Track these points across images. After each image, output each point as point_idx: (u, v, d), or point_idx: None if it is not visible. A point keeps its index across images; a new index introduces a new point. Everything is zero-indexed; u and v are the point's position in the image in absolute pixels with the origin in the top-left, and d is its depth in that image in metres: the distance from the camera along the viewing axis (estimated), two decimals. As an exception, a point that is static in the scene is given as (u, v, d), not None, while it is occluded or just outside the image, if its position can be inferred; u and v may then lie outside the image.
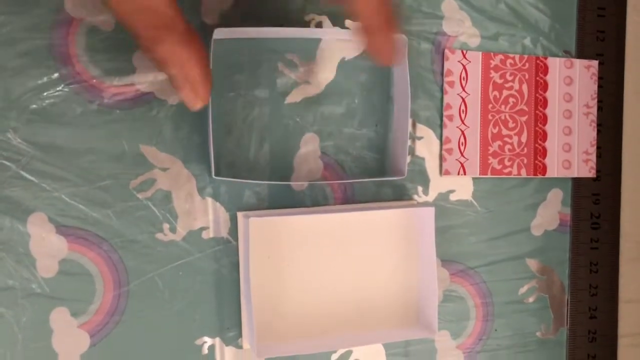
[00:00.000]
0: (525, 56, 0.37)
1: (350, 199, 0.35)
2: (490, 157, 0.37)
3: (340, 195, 0.34)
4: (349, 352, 0.35)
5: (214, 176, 0.31)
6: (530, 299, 0.38)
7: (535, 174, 0.37)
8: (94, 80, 0.31)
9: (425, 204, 0.35)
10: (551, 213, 0.38)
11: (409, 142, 0.35)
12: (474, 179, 0.37)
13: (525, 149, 0.37)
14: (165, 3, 0.26)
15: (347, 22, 0.34)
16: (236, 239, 0.33)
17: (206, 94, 0.28)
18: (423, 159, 0.36)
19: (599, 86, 0.39)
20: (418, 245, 0.34)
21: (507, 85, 0.37)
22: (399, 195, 0.35)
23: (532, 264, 0.38)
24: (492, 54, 0.36)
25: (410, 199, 0.35)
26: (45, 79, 0.30)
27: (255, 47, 0.33)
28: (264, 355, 0.32)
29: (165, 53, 0.26)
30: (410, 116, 0.33)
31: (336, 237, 0.34)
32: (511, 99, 0.37)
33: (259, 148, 0.33)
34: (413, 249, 0.35)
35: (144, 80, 0.31)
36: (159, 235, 0.32)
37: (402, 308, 0.35)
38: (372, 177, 0.34)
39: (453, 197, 0.36)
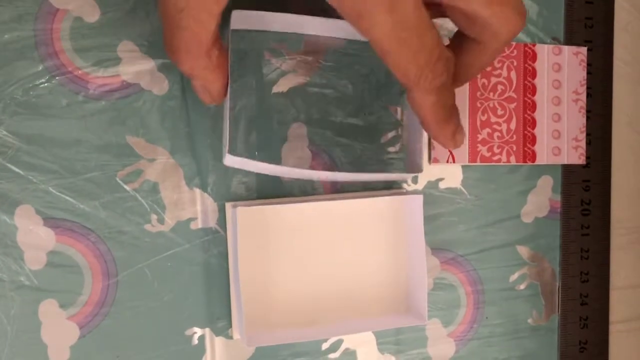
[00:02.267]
0: (513, 43, 0.37)
1: (340, 189, 0.34)
2: (479, 145, 0.36)
3: (329, 186, 0.34)
4: (340, 342, 0.35)
5: (228, 153, 0.30)
6: (521, 286, 0.38)
7: (524, 161, 0.37)
8: (80, 72, 0.31)
9: (414, 192, 0.35)
10: (541, 200, 0.38)
11: (398, 131, 0.35)
12: (463, 166, 0.37)
13: (515, 136, 0.37)
14: (211, 34, 0.26)
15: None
16: (225, 230, 0.33)
17: (221, 99, 0.30)
18: (412, 147, 0.35)
19: (588, 73, 0.39)
20: (407, 233, 0.34)
21: (495, 72, 0.37)
22: (389, 184, 0.35)
23: (523, 251, 0.38)
24: (479, 41, 0.36)
25: (400, 187, 0.35)
26: (30, 71, 0.30)
27: (241, 35, 0.32)
28: (254, 344, 0.32)
29: (193, 69, 0.28)
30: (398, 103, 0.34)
31: (325, 226, 0.34)
32: (500, 86, 0.37)
33: (246, 138, 0.33)
34: (402, 237, 0.35)
35: (130, 71, 0.31)
36: (147, 227, 0.32)
37: (392, 296, 0.35)
38: (363, 166, 0.34)
39: (442, 185, 0.36)
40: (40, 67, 0.30)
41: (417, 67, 0.26)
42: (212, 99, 0.30)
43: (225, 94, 0.30)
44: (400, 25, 0.25)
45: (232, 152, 0.31)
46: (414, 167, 0.34)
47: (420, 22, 0.26)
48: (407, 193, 0.35)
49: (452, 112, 0.30)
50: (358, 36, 0.31)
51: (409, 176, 0.35)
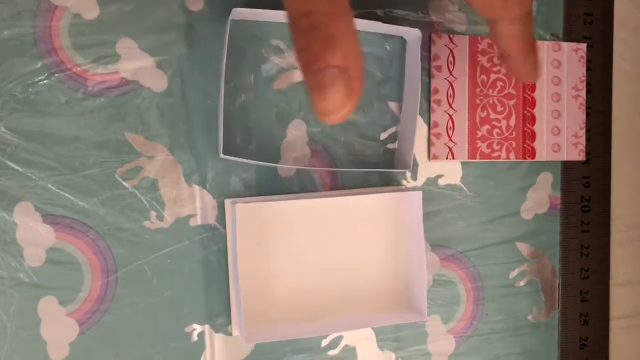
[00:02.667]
0: (513, 39, 0.37)
1: (339, 185, 0.34)
2: (478, 141, 0.36)
3: (329, 182, 0.34)
4: (340, 338, 0.35)
5: (221, 154, 0.30)
6: (521, 283, 0.38)
7: (524, 158, 0.37)
8: (79, 69, 0.31)
9: (413, 189, 0.35)
10: (541, 196, 0.38)
11: (397, 128, 0.35)
12: (462, 163, 0.37)
13: (514, 132, 0.37)
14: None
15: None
16: (224, 226, 0.33)
17: (356, 101, 0.24)
18: (411, 143, 0.35)
19: (588, 69, 0.39)
20: (407, 229, 0.34)
21: (494, 69, 0.37)
22: (388, 180, 0.35)
23: (523, 247, 0.38)
24: (479, 37, 0.36)
25: (399, 184, 0.35)
26: (29, 68, 0.30)
27: (240, 32, 0.32)
28: (253, 340, 0.32)
29: (336, 33, 0.23)
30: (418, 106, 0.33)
31: (325, 223, 0.34)
32: (499, 83, 0.37)
33: (245, 135, 0.33)
34: (402, 233, 0.35)
35: (129, 68, 0.31)
36: (147, 223, 0.32)
37: (392, 293, 0.35)
38: (363, 163, 0.34)
39: (442, 182, 0.36)
40: (39, 64, 0.30)
41: None
42: (351, 91, 0.23)
43: (361, 92, 0.24)
44: None
45: (225, 152, 0.31)
46: (403, 164, 0.34)
47: None
48: (406, 190, 0.35)
49: (534, 44, 0.32)
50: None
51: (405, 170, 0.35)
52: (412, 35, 0.34)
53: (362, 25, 0.33)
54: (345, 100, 0.23)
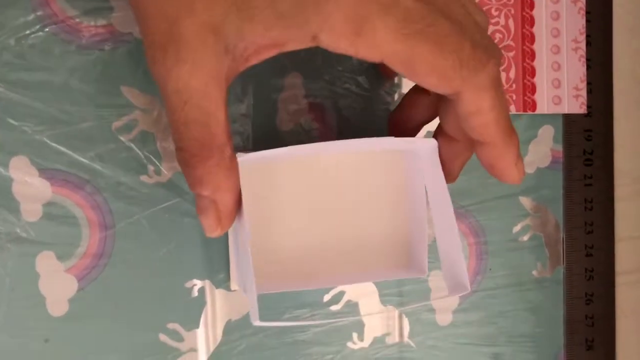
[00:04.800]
0: (511, -10, 0.37)
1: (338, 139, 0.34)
2: (478, 94, 0.36)
3: (328, 135, 0.34)
4: (342, 294, 0.34)
5: None
6: (525, 238, 0.37)
7: (524, 111, 0.37)
8: (72, 21, 0.30)
9: (423, 139, 0.34)
10: (543, 150, 0.38)
11: (397, 80, 0.35)
12: (462, 116, 0.36)
13: (514, 85, 0.37)
14: (222, 124, 0.24)
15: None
16: (222, 180, 0.32)
17: (228, 225, 0.26)
18: (410, 96, 0.35)
19: (587, 20, 0.38)
20: (409, 185, 0.34)
21: (492, 20, 0.36)
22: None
23: (526, 202, 0.37)
24: (476, -11, 0.36)
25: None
26: (21, 20, 0.30)
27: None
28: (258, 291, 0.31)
29: (204, 173, 0.25)
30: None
31: (327, 177, 0.33)
32: (497, 35, 0.37)
33: (243, 88, 0.33)
34: (405, 190, 0.34)
35: (123, 20, 0.31)
36: (144, 178, 0.32)
37: (393, 248, 0.34)
38: (360, 114, 0.34)
39: (442, 135, 0.36)
40: (32, 16, 0.30)
41: (450, 57, 0.23)
42: (219, 220, 0.26)
43: (234, 217, 0.26)
44: (406, 22, 0.22)
45: None
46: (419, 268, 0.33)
47: (426, 11, 0.23)
48: (416, 140, 0.34)
49: (512, 129, 0.26)
50: None
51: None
52: (427, 147, 0.30)
53: (367, 145, 0.30)
54: (215, 227, 0.26)
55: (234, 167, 0.26)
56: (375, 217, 0.34)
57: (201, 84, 0.24)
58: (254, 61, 0.25)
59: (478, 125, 0.25)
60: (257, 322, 0.26)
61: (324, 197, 0.33)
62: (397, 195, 0.34)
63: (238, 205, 0.26)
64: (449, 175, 0.30)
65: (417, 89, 0.30)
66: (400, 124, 0.32)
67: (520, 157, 0.27)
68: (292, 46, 0.24)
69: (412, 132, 0.32)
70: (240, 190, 0.26)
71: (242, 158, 0.30)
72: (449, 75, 0.23)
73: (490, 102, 0.24)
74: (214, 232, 0.26)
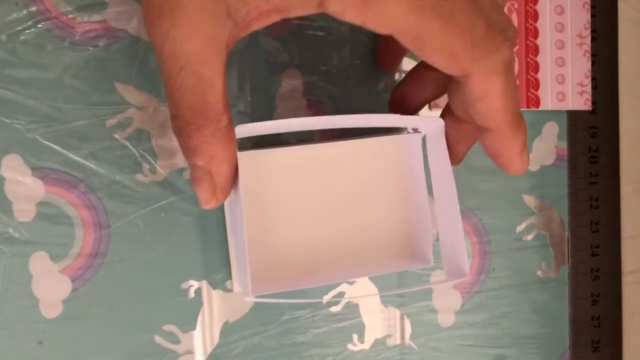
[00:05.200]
0: (513, -15, 0.36)
1: (338, 137, 0.33)
2: (480, 90, 0.35)
3: (326, 133, 0.33)
4: (342, 294, 0.34)
5: None
6: (529, 237, 0.37)
7: (528, 107, 0.36)
8: (65, 17, 0.30)
9: (413, 131, 0.33)
10: (547, 147, 0.37)
11: (397, 77, 0.34)
12: (464, 113, 0.35)
13: (517, 80, 0.36)
14: (218, 93, 0.23)
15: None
16: (219, 178, 0.32)
17: (223, 197, 0.25)
18: (411, 93, 0.34)
19: (592, 15, 0.37)
20: (410, 175, 0.33)
21: (495, 15, 0.36)
22: (389, 131, 0.34)
23: (530, 200, 0.37)
24: (478, -17, 0.35)
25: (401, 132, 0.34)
26: (14, 16, 0.29)
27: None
28: (258, 291, 0.30)
29: (198, 142, 0.24)
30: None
31: (326, 171, 0.32)
32: (500, 30, 0.36)
33: (240, 85, 0.32)
34: (405, 179, 0.33)
35: (117, 17, 0.30)
36: (139, 176, 0.31)
37: (397, 240, 0.33)
38: (360, 110, 0.33)
39: (444, 132, 0.35)
40: (25, 12, 0.29)
41: (462, 35, 0.22)
42: (213, 191, 0.25)
43: (230, 190, 0.25)
44: None
45: None
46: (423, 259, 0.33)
47: None
48: (406, 133, 0.34)
49: (521, 118, 0.25)
50: None
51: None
52: (433, 126, 0.30)
53: (370, 120, 0.29)
54: (210, 198, 0.25)
55: (230, 138, 0.24)
56: (377, 209, 0.33)
57: (198, 48, 0.22)
58: (256, 27, 0.23)
59: (485, 110, 0.24)
60: (250, 298, 0.26)
61: (324, 191, 0.32)
62: (398, 186, 0.33)
63: (234, 177, 0.25)
64: (455, 158, 0.29)
65: (425, 63, 0.28)
66: (402, 101, 0.30)
67: (526, 148, 0.26)
68: (296, 12, 0.23)
69: (413, 110, 0.31)
70: (236, 162, 0.25)
71: (240, 129, 0.29)
72: (459, 54, 0.22)
73: (500, 87, 0.23)
74: (208, 204, 0.25)
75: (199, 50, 0.22)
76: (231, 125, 0.24)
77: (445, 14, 0.21)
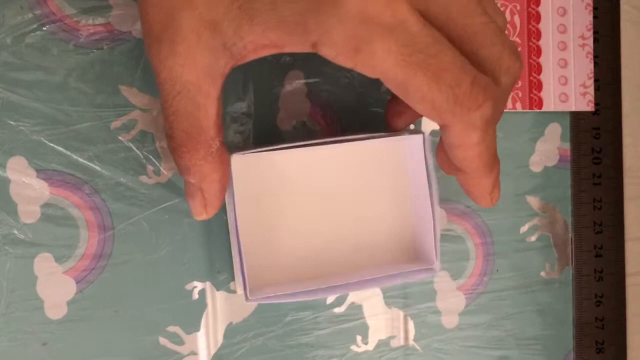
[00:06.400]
0: (515, -14, 0.36)
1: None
2: (483, 92, 0.35)
3: (330, 134, 0.33)
4: (345, 295, 0.34)
5: None
6: (532, 238, 0.37)
7: (531, 108, 0.36)
8: (70, 20, 0.30)
9: (414, 131, 0.33)
10: (550, 148, 0.37)
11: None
12: (467, 114, 0.35)
13: (520, 82, 0.36)
14: (212, 118, 0.25)
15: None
16: (223, 180, 0.32)
17: (214, 211, 0.28)
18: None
19: (594, 17, 0.37)
20: (411, 176, 0.33)
21: (497, 17, 0.36)
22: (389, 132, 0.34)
23: (533, 201, 0.37)
24: (480, -15, 0.35)
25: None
26: (19, 19, 0.29)
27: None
28: (256, 295, 0.30)
29: (191, 164, 0.25)
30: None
31: (326, 173, 0.32)
32: (503, 31, 0.36)
33: (244, 86, 0.32)
34: (406, 181, 0.33)
35: (122, 19, 0.31)
36: (143, 178, 0.31)
37: (399, 242, 0.33)
38: (363, 112, 0.34)
39: (447, 134, 0.35)
40: (29, 15, 0.29)
41: (446, 91, 0.22)
42: (204, 206, 0.27)
43: (220, 205, 0.28)
44: (408, 48, 0.22)
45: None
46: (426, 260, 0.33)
47: (431, 40, 0.22)
48: (408, 133, 0.34)
49: (495, 160, 0.26)
50: None
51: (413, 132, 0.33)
52: (414, 142, 0.32)
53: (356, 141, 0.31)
54: (201, 211, 0.27)
55: (221, 160, 0.26)
56: (377, 210, 0.33)
57: (194, 78, 0.23)
58: (252, 58, 0.24)
59: (461, 157, 0.25)
60: (249, 300, 0.28)
61: (325, 193, 0.32)
62: (399, 187, 0.33)
63: (225, 192, 0.28)
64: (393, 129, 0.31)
65: None
66: (397, 113, 0.31)
67: (497, 186, 0.27)
68: (291, 49, 0.24)
69: (410, 118, 0.32)
70: (227, 181, 0.27)
71: (237, 157, 0.29)
72: (441, 108, 0.23)
73: (476, 140, 0.24)
74: (200, 216, 0.28)
75: (195, 80, 0.24)
76: (223, 147, 0.26)
77: (431, 71, 0.22)
